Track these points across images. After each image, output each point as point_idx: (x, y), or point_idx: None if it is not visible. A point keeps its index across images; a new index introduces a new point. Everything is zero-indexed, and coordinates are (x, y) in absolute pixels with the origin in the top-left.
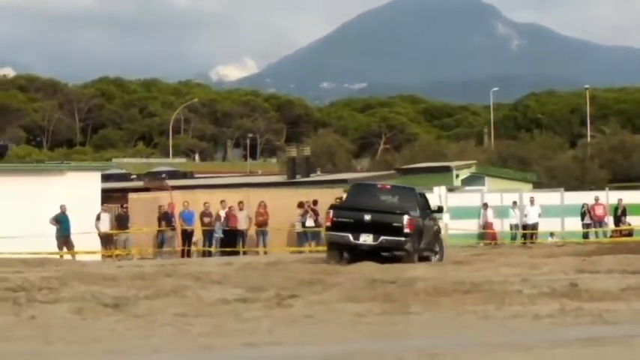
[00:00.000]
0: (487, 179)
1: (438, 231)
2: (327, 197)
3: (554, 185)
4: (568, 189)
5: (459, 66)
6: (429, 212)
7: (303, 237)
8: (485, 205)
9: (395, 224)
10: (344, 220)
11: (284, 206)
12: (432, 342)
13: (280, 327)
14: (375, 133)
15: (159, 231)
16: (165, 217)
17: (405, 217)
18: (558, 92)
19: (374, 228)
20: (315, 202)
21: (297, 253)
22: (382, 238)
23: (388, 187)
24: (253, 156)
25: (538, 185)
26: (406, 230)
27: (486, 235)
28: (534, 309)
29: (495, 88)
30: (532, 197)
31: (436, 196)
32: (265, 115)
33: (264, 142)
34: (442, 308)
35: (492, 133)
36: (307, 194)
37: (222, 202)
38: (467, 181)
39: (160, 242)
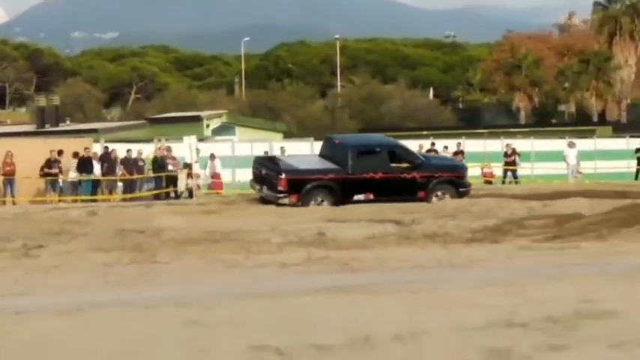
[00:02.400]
0: (238, 129)
1: None
2: (76, 146)
3: (305, 135)
4: (318, 139)
5: (214, 16)
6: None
7: (51, 186)
8: (212, 156)
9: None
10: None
11: (32, 156)
12: (181, 291)
13: (27, 277)
14: (126, 82)
15: None
16: None
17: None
18: (309, 42)
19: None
20: (60, 152)
21: (45, 203)
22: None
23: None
24: (2, 105)
25: (288, 135)
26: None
27: (213, 184)
28: (282, 257)
29: (247, 38)
30: (282, 147)
31: (186, 146)
32: (14, 64)
33: (13, 91)
34: (191, 257)
35: (243, 83)
36: (56, 144)
37: None
38: (218, 131)
39: None
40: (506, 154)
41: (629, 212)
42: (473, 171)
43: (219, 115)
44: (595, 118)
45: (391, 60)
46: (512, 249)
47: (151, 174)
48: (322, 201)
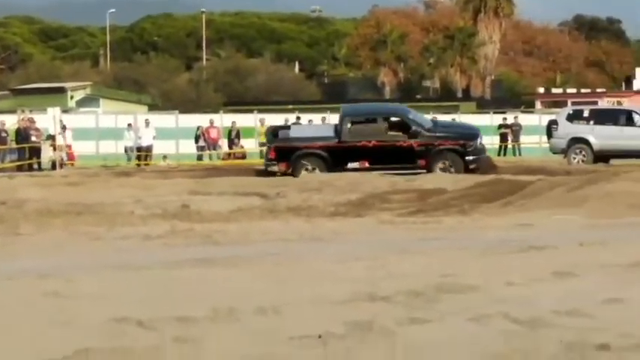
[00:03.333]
0: (102, 101)
1: None
2: None
3: (170, 108)
4: (183, 112)
5: None
6: None
7: None
8: (63, 128)
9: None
10: None
11: None
12: (43, 263)
13: None
14: None
15: None
16: None
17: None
18: (175, 15)
19: None
20: None
21: None
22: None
23: None
24: None
25: (153, 108)
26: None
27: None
28: (145, 230)
29: (112, 10)
30: (147, 119)
31: (50, 118)
32: None
33: None
34: (54, 229)
35: (108, 55)
36: None
37: None
38: (82, 103)
39: None
40: None
41: (491, 187)
42: None
43: (84, 87)
44: (459, 94)
45: (257, 34)
46: (376, 223)
47: (14, 145)
48: (313, 169)
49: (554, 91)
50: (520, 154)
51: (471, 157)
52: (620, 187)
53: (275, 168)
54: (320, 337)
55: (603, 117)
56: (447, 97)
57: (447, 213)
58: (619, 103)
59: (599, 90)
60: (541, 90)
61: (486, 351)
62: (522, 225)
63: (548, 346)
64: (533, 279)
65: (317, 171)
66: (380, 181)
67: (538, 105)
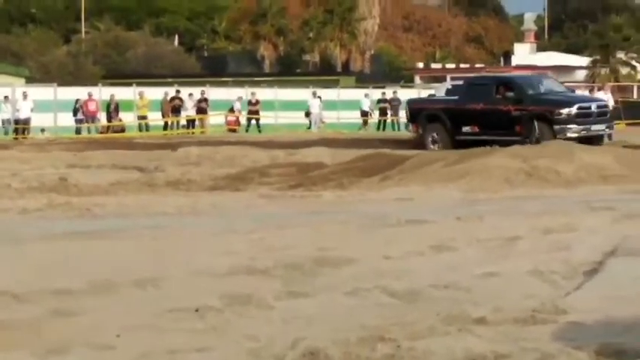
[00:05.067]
0: None
1: None
2: None
3: (48, 80)
4: (62, 84)
5: None
6: None
7: None
8: None
9: None
10: None
11: None
12: None
13: None
14: None
15: None
16: None
17: None
18: None
19: None
20: None
21: None
22: None
23: None
24: None
25: (31, 80)
26: None
27: None
28: (23, 203)
29: None
30: (25, 92)
31: None
32: None
33: None
34: None
35: None
36: None
37: None
38: None
39: None
40: (250, 103)
41: (371, 162)
42: (217, 119)
43: None
44: (339, 68)
45: (136, 6)
46: (255, 197)
47: None
48: (437, 134)
49: (434, 66)
50: (399, 129)
51: (558, 126)
52: (498, 162)
53: (411, 129)
54: (197, 310)
55: None
56: (326, 71)
57: (326, 187)
58: None
59: (478, 65)
60: (420, 65)
61: (364, 324)
62: (401, 199)
63: (425, 319)
64: (411, 253)
65: (437, 136)
66: (259, 154)
67: (417, 80)
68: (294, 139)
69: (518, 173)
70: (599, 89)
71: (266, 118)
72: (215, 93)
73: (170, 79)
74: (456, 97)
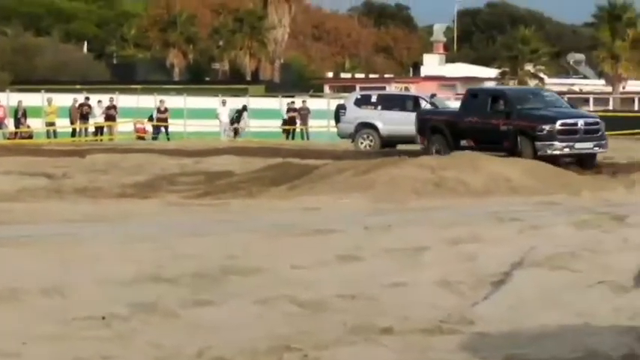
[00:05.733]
0: None
1: None
2: None
3: None
4: None
5: None
6: None
7: None
8: None
9: None
10: None
11: None
12: None
13: None
14: None
15: None
16: None
17: None
18: None
19: None
20: None
21: None
22: None
23: None
24: None
25: None
26: None
27: None
28: None
29: None
30: None
31: None
32: None
33: None
34: None
35: None
36: None
37: None
38: None
39: None
40: (159, 111)
41: (279, 171)
42: (126, 127)
43: None
44: (248, 77)
45: (45, 12)
46: (162, 205)
47: None
48: (439, 147)
49: (343, 75)
50: (308, 138)
51: (540, 143)
52: (406, 172)
53: (419, 141)
54: (104, 318)
55: (391, 102)
56: (236, 79)
57: (235, 195)
58: (407, 88)
59: (387, 75)
60: (330, 74)
61: (271, 333)
62: (309, 208)
63: (332, 329)
64: (319, 262)
65: (437, 149)
66: (168, 162)
67: (327, 89)
68: (203, 148)
69: (426, 184)
70: None
71: (175, 126)
72: (124, 100)
73: (79, 86)
74: (457, 110)
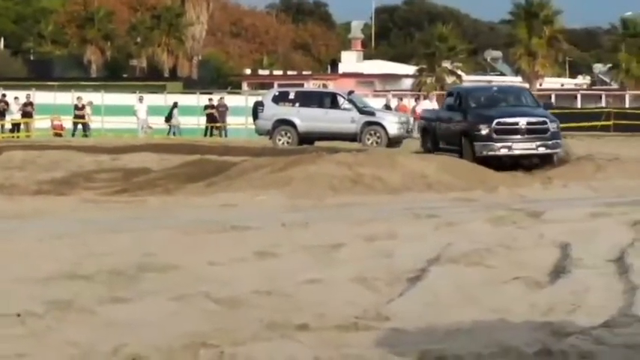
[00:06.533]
0: None
1: None
2: None
3: None
4: None
5: None
6: None
7: None
8: None
9: None
10: None
11: None
12: None
13: None
14: None
15: None
16: None
17: None
18: None
19: None
20: None
21: None
22: None
23: None
24: None
25: None
26: None
27: None
28: None
29: None
30: None
31: None
32: None
33: None
34: None
35: None
36: None
37: None
38: None
39: None
40: (76, 107)
41: (197, 167)
42: (43, 123)
43: None
44: (166, 74)
45: None
46: (79, 202)
47: None
48: (430, 148)
49: (261, 72)
50: (226, 135)
51: (478, 144)
52: (323, 169)
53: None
54: (19, 315)
55: (308, 99)
56: (153, 76)
57: (152, 192)
58: (325, 85)
59: (305, 72)
60: (248, 71)
61: (187, 330)
62: (226, 205)
63: (248, 325)
64: (235, 259)
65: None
66: (85, 159)
67: (245, 86)
68: (121, 144)
69: (343, 180)
70: (425, 98)
71: (93, 122)
72: (41, 97)
73: None
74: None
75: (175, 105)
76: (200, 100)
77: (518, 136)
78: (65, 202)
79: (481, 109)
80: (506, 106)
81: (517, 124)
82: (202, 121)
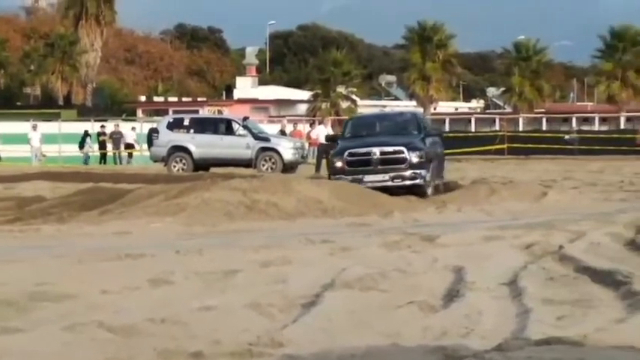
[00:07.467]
0: None
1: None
2: None
3: None
4: None
5: None
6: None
7: None
8: None
9: None
10: None
11: None
12: None
13: None
14: None
15: None
16: None
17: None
18: None
19: None
20: None
21: None
22: None
23: None
24: None
25: None
26: None
27: None
28: None
29: None
30: None
31: None
32: None
33: None
34: None
35: None
36: None
37: None
38: None
39: None
40: None
41: (90, 196)
42: None
43: None
44: (60, 101)
45: None
46: None
47: None
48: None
49: (156, 99)
50: (121, 163)
51: (334, 176)
52: (218, 195)
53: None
54: None
55: (203, 126)
56: (48, 104)
57: (46, 221)
58: (220, 111)
59: (200, 99)
60: (143, 98)
61: None
62: (120, 233)
63: (142, 354)
64: (129, 287)
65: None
66: None
67: (140, 113)
68: (15, 173)
69: (238, 207)
70: (320, 123)
71: None
72: None
73: None
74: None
75: (87, 134)
76: (95, 127)
77: (371, 167)
78: None
79: (348, 140)
80: (375, 135)
81: (369, 154)
82: (96, 148)
